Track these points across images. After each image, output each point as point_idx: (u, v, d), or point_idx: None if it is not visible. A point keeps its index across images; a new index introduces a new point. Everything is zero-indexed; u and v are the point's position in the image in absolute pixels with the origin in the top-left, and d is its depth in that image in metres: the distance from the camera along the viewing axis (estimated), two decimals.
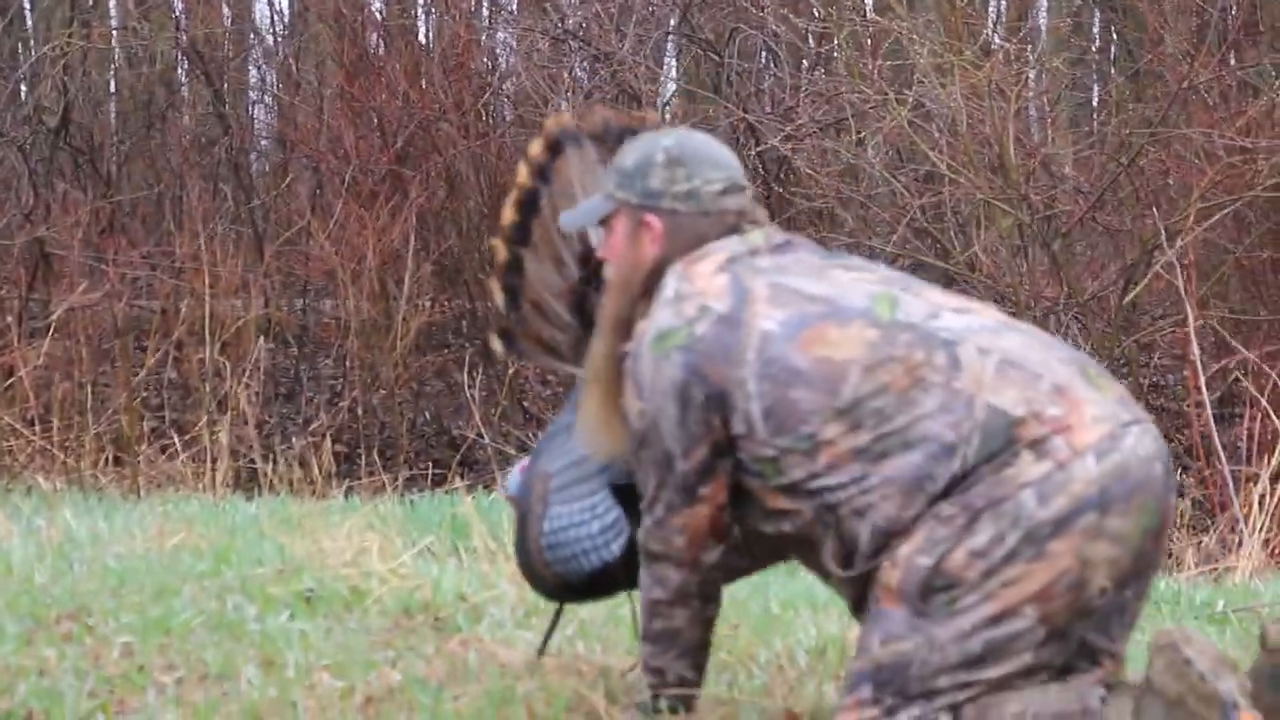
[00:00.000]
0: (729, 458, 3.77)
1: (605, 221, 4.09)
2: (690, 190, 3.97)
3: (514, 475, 4.59)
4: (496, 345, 4.55)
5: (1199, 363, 8.93)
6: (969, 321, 3.73)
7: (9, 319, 11.44)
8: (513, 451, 10.82)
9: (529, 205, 4.44)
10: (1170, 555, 8.25)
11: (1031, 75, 11.40)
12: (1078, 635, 3.60)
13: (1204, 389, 8.82)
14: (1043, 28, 13.06)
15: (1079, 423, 3.56)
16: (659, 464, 3.81)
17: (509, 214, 4.44)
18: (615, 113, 4.54)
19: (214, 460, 10.70)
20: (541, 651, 4.59)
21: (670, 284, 3.89)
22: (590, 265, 4.35)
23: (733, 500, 3.84)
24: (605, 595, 4.50)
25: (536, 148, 4.44)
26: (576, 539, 4.23)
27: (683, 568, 3.86)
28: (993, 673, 3.55)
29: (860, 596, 3.72)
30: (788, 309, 3.75)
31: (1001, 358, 3.63)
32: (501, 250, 4.44)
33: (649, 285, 3.96)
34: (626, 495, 4.21)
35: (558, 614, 4.63)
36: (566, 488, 4.28)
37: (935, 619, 3.55)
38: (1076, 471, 3.52)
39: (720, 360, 3.73)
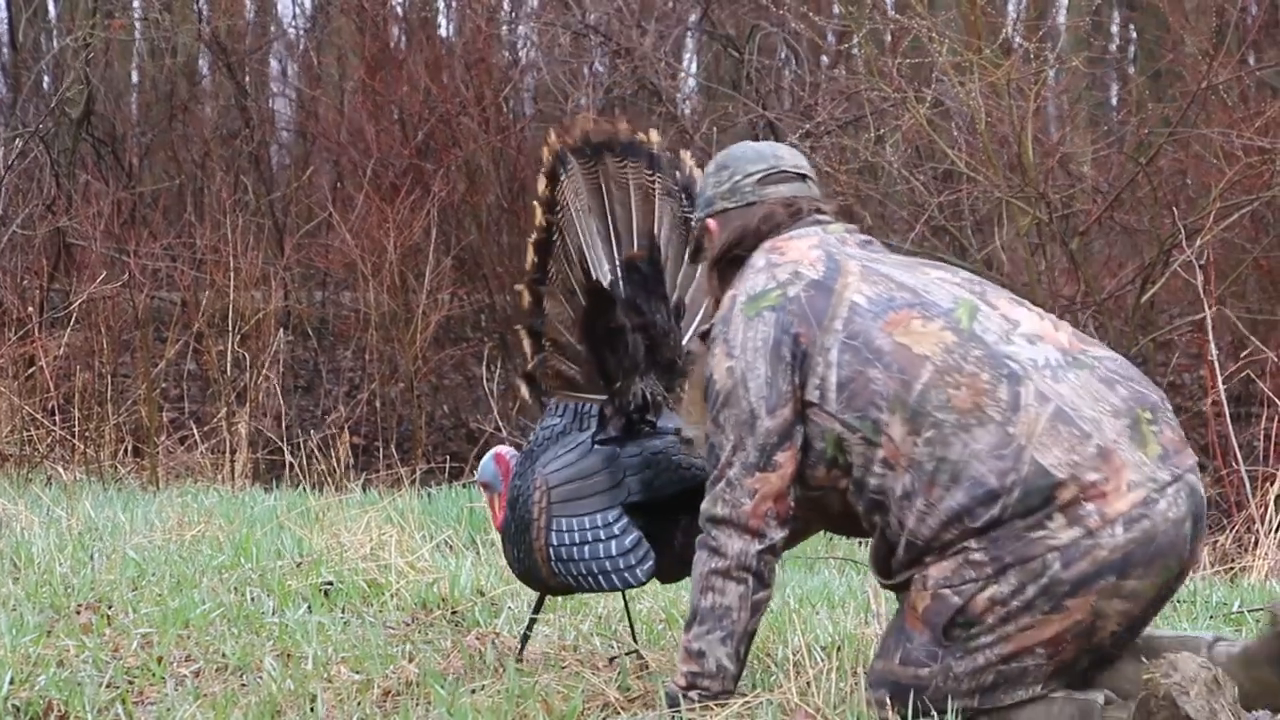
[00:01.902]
0: (803, 426, 3.89)
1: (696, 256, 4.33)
2: (732, 187, 4.17)
3: (486, 462, 4.66)
4: (524, 391, 4.70)
5: (1216, 362, 8.91)
6: (1036, 354, 3.84)
7: (30, 309, 11.47)
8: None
9: (545, 245, 4.62)
10: None
11: (1050, 74, 11.35)
12: (1088, 660, 3.81)
13: (1221, 388, 8.81)
14: (1062, 27, 13.01)
15: (1115, 490, 3.71)
16: (741, 423, 3.91)
17: (530, 256, 4.63)
18: (594, 125, 4.67)
19: (233, 452, 10.73)
20: (522, 647, 4.66)
21: (760, 257, 4.05)
22: (595, 295, 4.47)
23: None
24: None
25: (541, 184, 4.63)
26: (594, 557, 4.29)
27: (745, 534, 3.93)
28: (1003, 699, 3.78)
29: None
30: (877, 288, 3.91)
31: (1057, 408, 3.76)
32: (526, 295, 4.62)
33: (722, 273, 4.15)
34: (647, 514, 4.29)
35: (539, 602, 4.70)
36: (571, 501, 4.35)
37: (953, 652, 3.76)
38: (1104, 539, 3.69)
39: (810, 322, 3.89)
